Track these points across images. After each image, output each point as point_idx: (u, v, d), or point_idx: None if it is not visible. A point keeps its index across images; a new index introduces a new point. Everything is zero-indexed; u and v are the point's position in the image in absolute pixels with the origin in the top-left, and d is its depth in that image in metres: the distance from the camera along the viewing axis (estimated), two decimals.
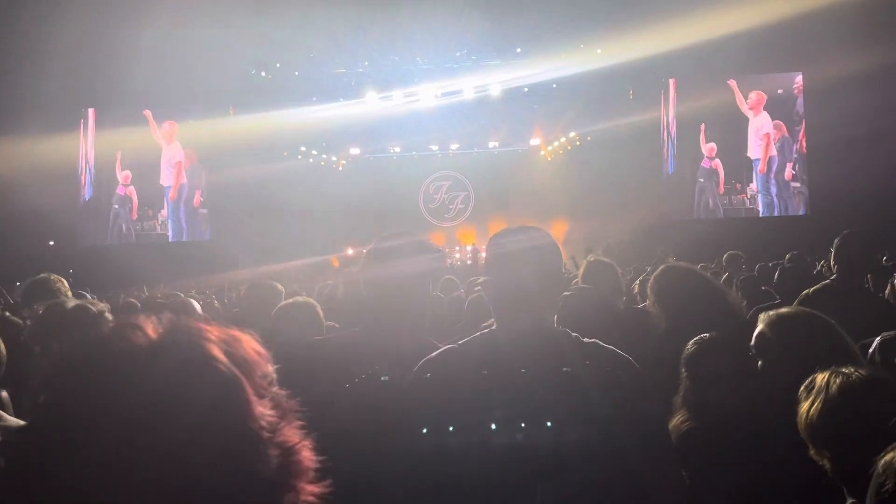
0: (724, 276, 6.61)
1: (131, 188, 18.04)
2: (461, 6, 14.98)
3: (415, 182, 20.58)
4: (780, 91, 17.28)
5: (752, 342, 2.29)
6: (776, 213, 17.06)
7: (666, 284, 3.16)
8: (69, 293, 3.55)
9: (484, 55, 17.12)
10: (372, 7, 15.09)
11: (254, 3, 14.63)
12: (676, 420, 2.51)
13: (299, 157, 19.07)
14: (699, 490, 2.37)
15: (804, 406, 1.72)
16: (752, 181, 17.31)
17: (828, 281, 3.71)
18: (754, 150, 17.23)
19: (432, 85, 17.20)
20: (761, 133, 17.12)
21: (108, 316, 2.70)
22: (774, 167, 17.17)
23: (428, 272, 2.19)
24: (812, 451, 1.71)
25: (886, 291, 4.60)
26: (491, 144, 19.93)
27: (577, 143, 19.02)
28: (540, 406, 1.62)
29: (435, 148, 20.08)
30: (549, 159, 20.12)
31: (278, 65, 17.02)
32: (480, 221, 19.51)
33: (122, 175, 17.97)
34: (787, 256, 7.56)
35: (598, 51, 16.13)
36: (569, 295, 3.13)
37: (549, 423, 1.61)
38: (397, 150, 20.14)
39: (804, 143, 17.10)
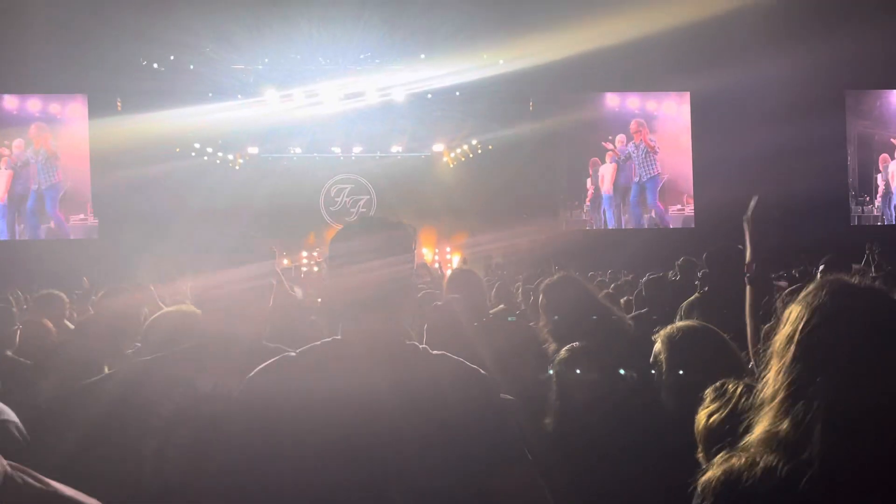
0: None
1: None
2: (359, 8, 14.81)
3: (316, 184, 20.09)
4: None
5: (654, 353, 2.31)
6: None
7: (552, 298, 3.15)
8: None
9: (388, 59, 16.96)
10: (267, 4, 14.66)
11: None
12: (543, 423, 2.51)
13: (193, 154, 18.22)
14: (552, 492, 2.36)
15: (708, 409, 1.70)
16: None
17: (697, 294, 3.80)
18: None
19: (335, 85, 16.88)
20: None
21: None
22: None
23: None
24: (701, 454, 1.67)
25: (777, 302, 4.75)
26: (394, 149, 19.79)
27: (479, 150, 19.19)
28: (380, 420, 1.50)
29: (337, 150, 19.70)
30: (452, 166, 20.20)
31: (172, 57, 16.22)
32: None
33: None
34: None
35: (501, 61, 16.36)
36: (438, 306, 3.05)
37: (387, 438, 1.50)
38: (298, 150, 19.62)
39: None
